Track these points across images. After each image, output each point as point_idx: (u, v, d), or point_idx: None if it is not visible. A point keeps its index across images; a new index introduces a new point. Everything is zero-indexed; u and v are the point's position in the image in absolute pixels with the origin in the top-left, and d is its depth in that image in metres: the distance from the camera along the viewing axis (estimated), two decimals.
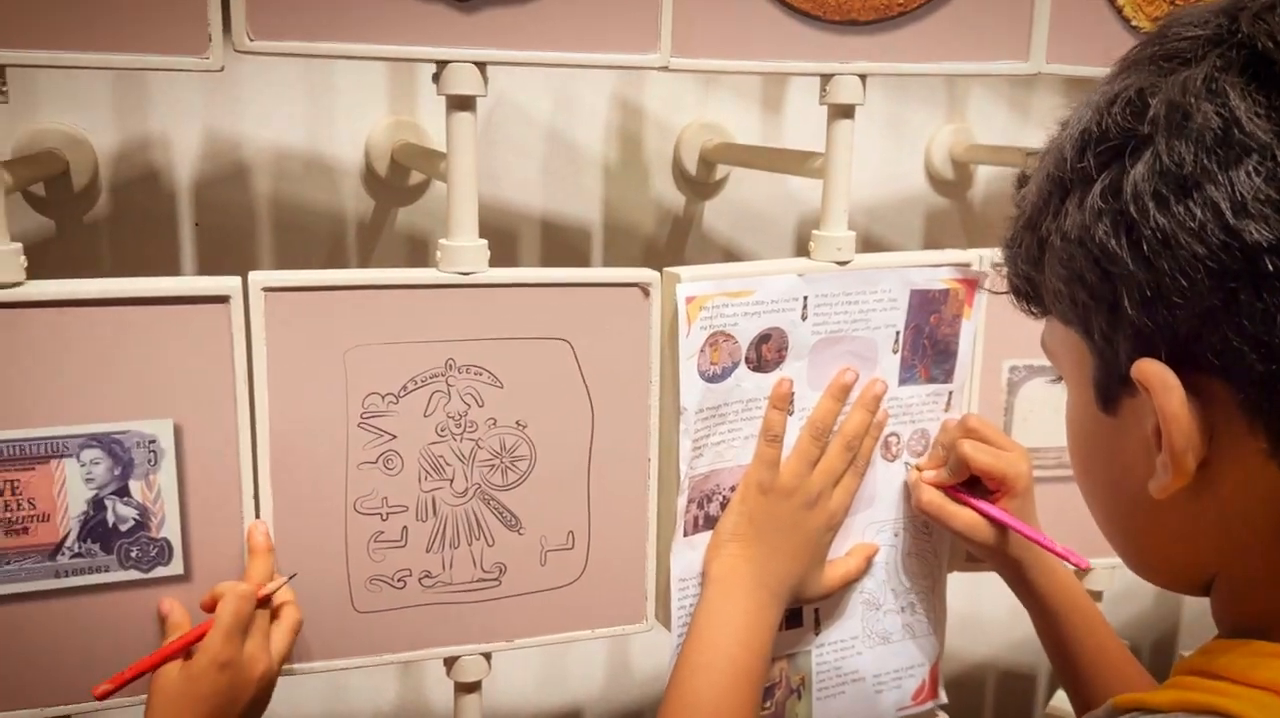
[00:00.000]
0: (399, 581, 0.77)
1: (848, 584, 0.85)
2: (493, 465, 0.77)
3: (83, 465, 0.68)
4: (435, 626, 0.79)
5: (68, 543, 0.69)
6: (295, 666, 0.75)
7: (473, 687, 0.82)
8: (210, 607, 0.70)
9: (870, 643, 0.89)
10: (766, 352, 0.79)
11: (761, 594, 0.77)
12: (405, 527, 0.76)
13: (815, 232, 0.82)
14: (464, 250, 0.74)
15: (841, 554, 0.85)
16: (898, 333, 0.84)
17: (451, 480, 0.77)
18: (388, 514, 0.76)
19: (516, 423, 0.78)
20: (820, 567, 0.82)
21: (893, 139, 1.12)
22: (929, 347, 0.86)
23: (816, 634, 0.87)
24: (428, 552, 0.77)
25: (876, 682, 0.90)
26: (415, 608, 0.78)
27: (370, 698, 1.10)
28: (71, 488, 0.68)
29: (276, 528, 0.73)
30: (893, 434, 0.86)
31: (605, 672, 1.17)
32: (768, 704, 0.85)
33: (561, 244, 1.03)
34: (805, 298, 0.80)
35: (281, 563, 0.74)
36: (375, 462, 0.75)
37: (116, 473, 0.69)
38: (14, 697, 0.70)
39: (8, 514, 0.67)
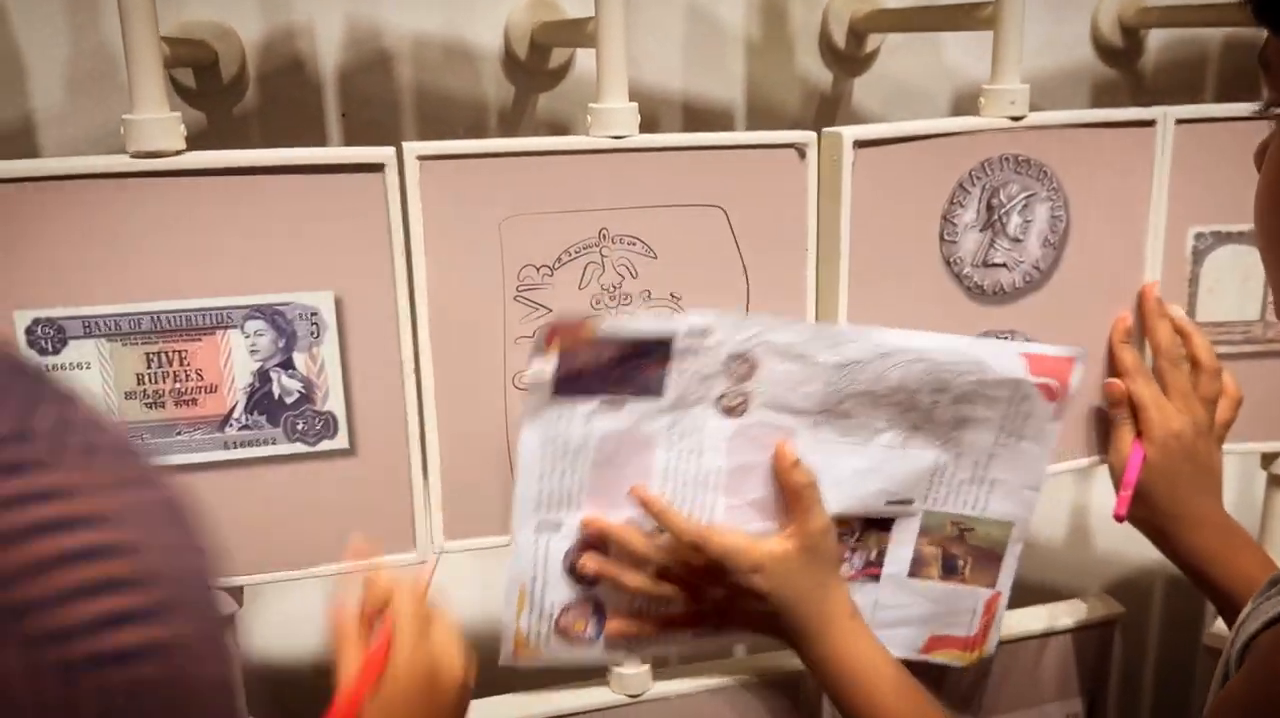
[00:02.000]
0: None
1: None
2: None
3: (247, 337, 0.69)
4: None
5: (235, 415, 0.70)
6: (450, 543, 0.75)
7: None
8: (374, 609, 0.59)
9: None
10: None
11: None
12: None
13: (985, 86, 0.77)
14: (615, 113, 0.71)
15: None
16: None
17: None
18: None
19: (671, 295, 0.75)
20: None
21: (1054, 2, 1.04)
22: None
23: None
24: None
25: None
26: None
27: None
28: (237, 359, 0.69)
29: (438, 403, 0.73)
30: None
31: None
32: None
33: (703, 125, 1.00)
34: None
35: (442, 438, 0.73)
36: (532, 336, 0.74)
37: (280, 345, 0.69)
38: None
39: (177, 385, 0.68)
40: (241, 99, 0.90)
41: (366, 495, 0.73)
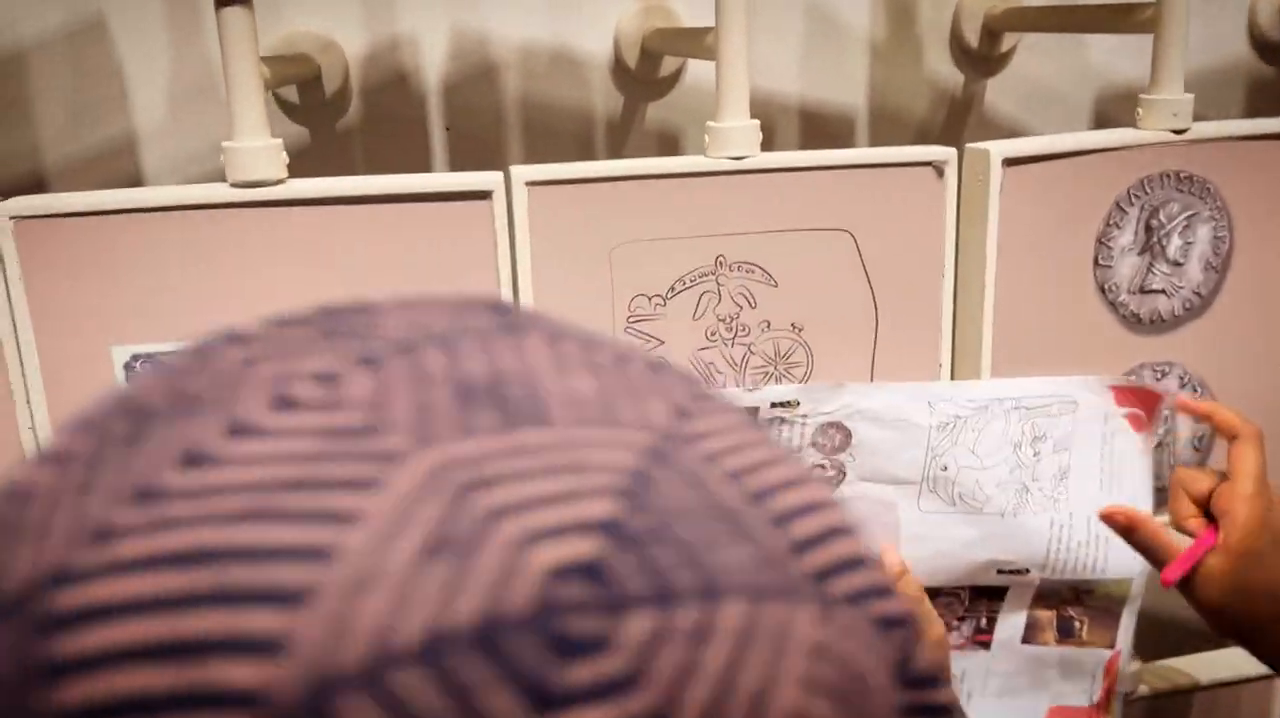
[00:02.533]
0: None
1: None
2: (766, 373, 0.71)
3: None
4: None
5: None
6: None
7: None
8: None
9: None
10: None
11: None
12: None
13: (1144, 95, 0.69)
14: (734, 132, 0.66)
15: None
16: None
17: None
18: None
19: (792, 325, 0.70)
20: None
21: None
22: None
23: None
24: None
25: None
26: None
27: None
28: None
29: None
30: None
31: None
32: None
33: (822, 133, 0.94)
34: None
35: None
36: None
37: None
38: None
39: None
40: (344, 113, 0.88)
41: None
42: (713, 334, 0.69)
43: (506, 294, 0.66)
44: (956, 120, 0.96)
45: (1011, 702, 0.73)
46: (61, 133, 0.82)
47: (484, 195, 0.64)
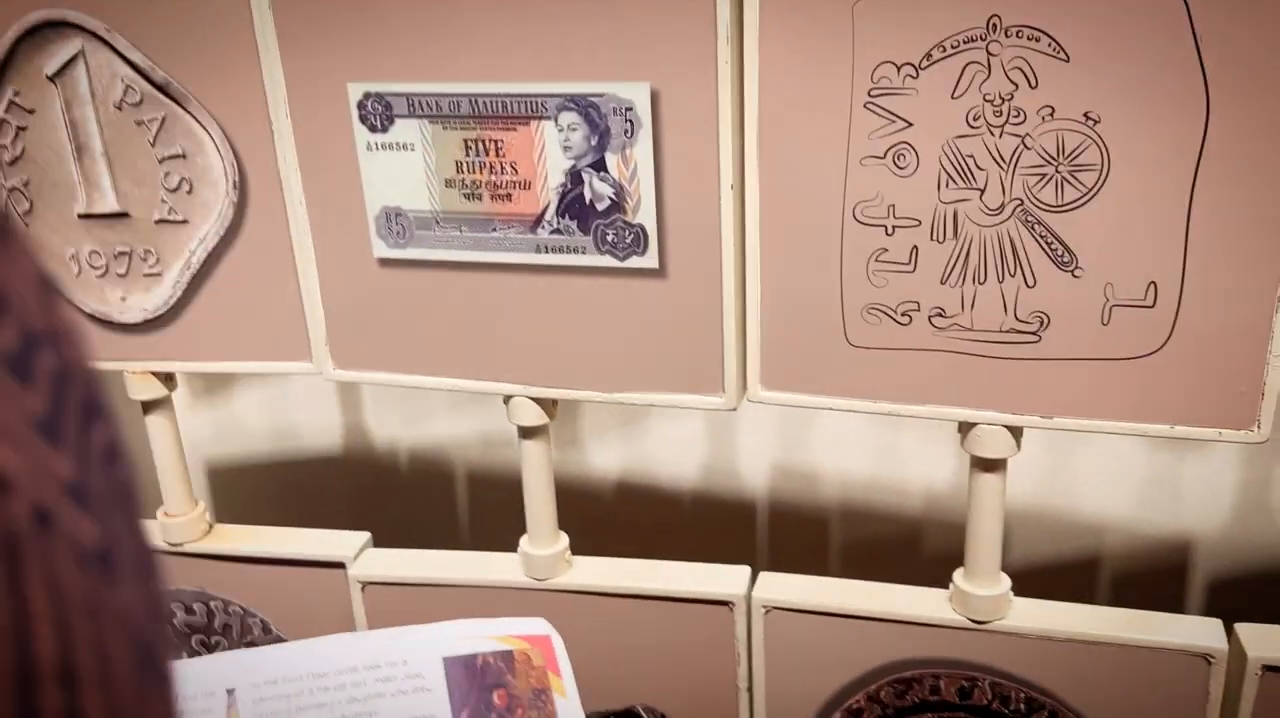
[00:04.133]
0: (904, 315, 0.61)
1: None
2: (1044, 175, 0.56)
3: (560, 130, 0.62)
4: (947, 379, 0.62)
5: (547, 217, 0.64)
6: (766, 393, 0.64)
7: (993, 465, 0.64)
8: None
9: None
10: None
11: None
12: (915, 247, 0.59)
13: None
14: None
15: None
16: None
17: (983, 191, 0.57)
18: (894, 228, 0.59)
19: (1085, 116, 0.55)
20: None
21: None
22: None
23: None
24: (943, 283, 0.60)
25: None
26: (922, 353, 0.61)
27: None
28: (550, 154, 0.63)
29: (761, 227, 0.61)
30: None
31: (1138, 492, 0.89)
32: None
33: None
34: (231, 691, 0.50)
35: (765, 268, 0.62)
36: (883, 157, 0.58)
37: (593, 143, 0.62)
38: (495, 369, 0.69)
39: (493, 178, 0.64)
40: None
41: (674, 324, 0.64)
42: (976, 119, 0.56)
43: (726, 55, 0.58)
44: None
45: None
46: None
47: None
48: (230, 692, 0.51)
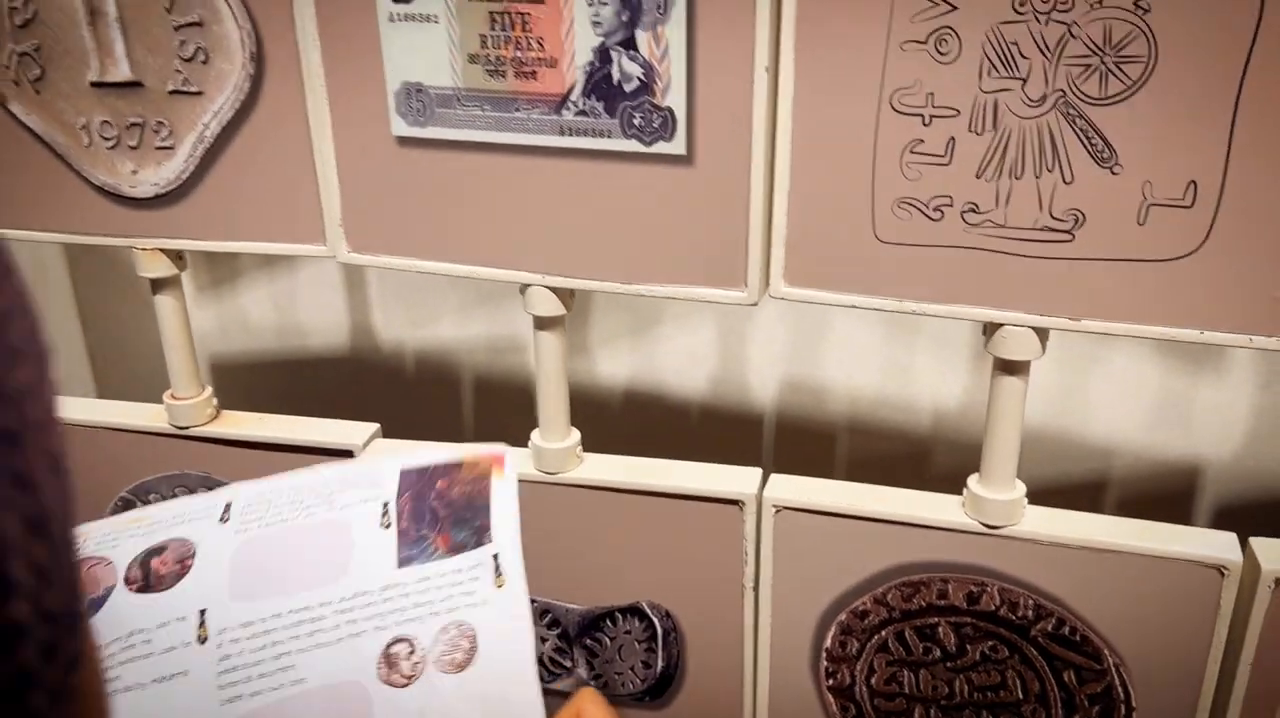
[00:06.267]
0: (936, 210, 0.60)
1: None
2: (1088, 66, 0.55)
3: (591, 4, 0.60)
4: (976, 277, 0.61)
5: (573, 97, 0.62)
6: (790, 289, 0.63)
7: (1017, 368, 0.63)
8: None
9: None
10: (159, 565, 0.54)
11: None
12: (952, 138, 0.58)
13: None
14: None
15: None
16: (386, 504, 0.56)
17: (1025, 81, 0.56)
18: (931, 118, 0.58)
19: (1135, 3, 0.53)
20: None
21: None
22: (441, 510, 0.55)
23: None
24: (978, 177, 0.58)
25: None
26: (953, 250, 0.60)
27: None
28: (579, 31, 0.61)
29: (794, 113, 0.60)
30: (400, 640, 0.51)
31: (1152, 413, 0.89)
32: None
33: None
34: (228, 504, 0.57)
35: (795, 158, 0.60)
36: (925, 41, 0.57)
37: (624, 19, 0.60)
38: (512, 257, 0.68)
39: (518, 54, 0.62)
40: None
41: (698, 214, 0.63)
42: (1023, 4, 0.55)
43: None
44: None
45: None
46: None
47: None
48: (228, 506, 0.57)
